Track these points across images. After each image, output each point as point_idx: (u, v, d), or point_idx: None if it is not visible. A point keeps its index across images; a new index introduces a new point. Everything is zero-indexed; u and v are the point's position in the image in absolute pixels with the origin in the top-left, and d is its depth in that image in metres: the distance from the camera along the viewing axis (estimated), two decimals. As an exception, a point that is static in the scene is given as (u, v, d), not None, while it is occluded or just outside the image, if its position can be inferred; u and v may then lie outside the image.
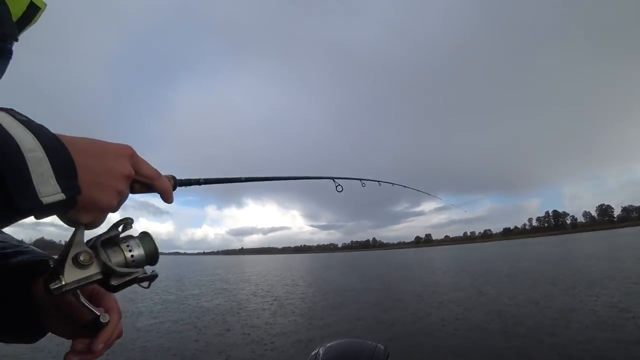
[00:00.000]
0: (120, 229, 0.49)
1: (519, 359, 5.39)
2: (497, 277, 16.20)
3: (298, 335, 7.68)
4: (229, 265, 57.13)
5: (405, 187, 1.76)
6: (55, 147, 0.37)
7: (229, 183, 0.68)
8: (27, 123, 0.36)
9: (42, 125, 0.38)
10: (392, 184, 1.56)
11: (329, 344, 1.47)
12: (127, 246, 0.48)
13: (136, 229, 0.52)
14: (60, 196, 0.36)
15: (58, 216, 0.42)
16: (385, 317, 8.93)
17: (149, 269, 0.50)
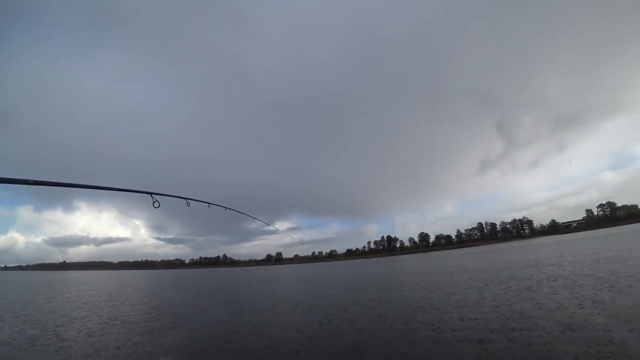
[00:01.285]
0: None
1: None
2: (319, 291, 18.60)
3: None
4: (42, 284, 43.94)
5: (254, 218, 1.97)
6: None
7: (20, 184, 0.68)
8: None
9: None
10: (239, 212, 1.70)
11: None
12: None
13: None
14: None
15: None
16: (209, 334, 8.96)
17: None
